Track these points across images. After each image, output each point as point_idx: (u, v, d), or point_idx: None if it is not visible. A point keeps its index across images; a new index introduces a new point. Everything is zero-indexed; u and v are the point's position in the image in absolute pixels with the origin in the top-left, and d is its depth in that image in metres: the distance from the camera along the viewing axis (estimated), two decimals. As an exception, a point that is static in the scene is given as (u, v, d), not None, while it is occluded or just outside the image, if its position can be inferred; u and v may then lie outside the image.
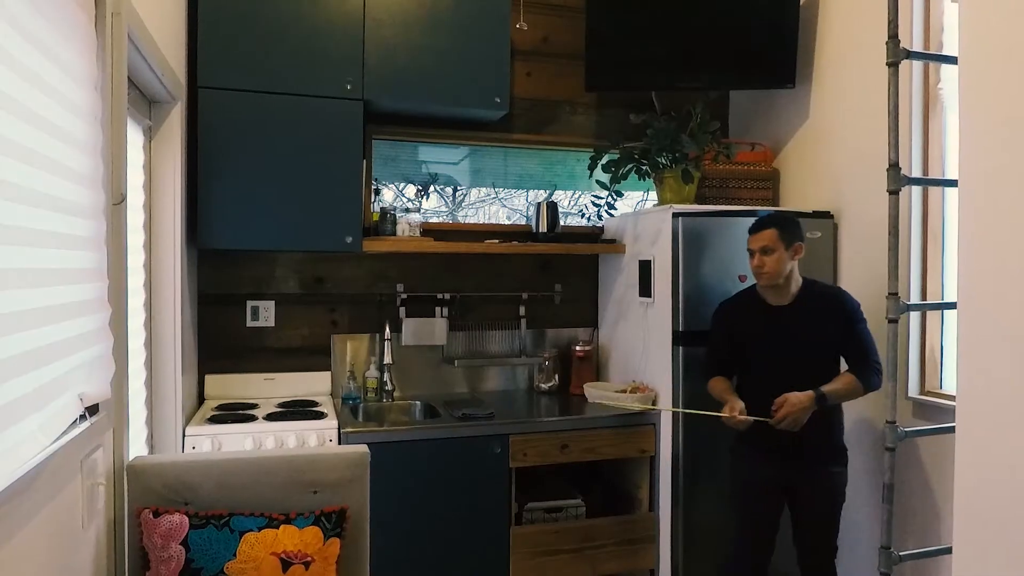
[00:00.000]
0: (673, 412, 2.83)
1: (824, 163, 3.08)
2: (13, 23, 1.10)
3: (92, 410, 1.51)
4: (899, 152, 2.18)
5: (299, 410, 2.79)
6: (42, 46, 1.22)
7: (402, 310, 3.23)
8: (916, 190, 2.62)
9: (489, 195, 3.55)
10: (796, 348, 2.39)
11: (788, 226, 2.39)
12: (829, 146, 3.05)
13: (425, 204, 3.41)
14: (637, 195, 3.66)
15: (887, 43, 2.17)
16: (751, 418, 2.33)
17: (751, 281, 2.86)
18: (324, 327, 3.16)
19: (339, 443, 2.56)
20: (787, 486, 2.44)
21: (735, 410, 2.34)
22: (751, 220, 2.87)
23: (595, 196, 3.30)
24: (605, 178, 3.15)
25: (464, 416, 2.77)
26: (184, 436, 2.48)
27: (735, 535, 2.53)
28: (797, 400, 2.27)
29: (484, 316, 3.36)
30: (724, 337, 2.56)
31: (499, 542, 2.73)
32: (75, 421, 1.39)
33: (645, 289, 3.02)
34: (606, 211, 3.27)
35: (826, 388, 2.30)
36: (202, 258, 2.99)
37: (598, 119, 3.53)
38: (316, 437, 2.56)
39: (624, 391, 2.99)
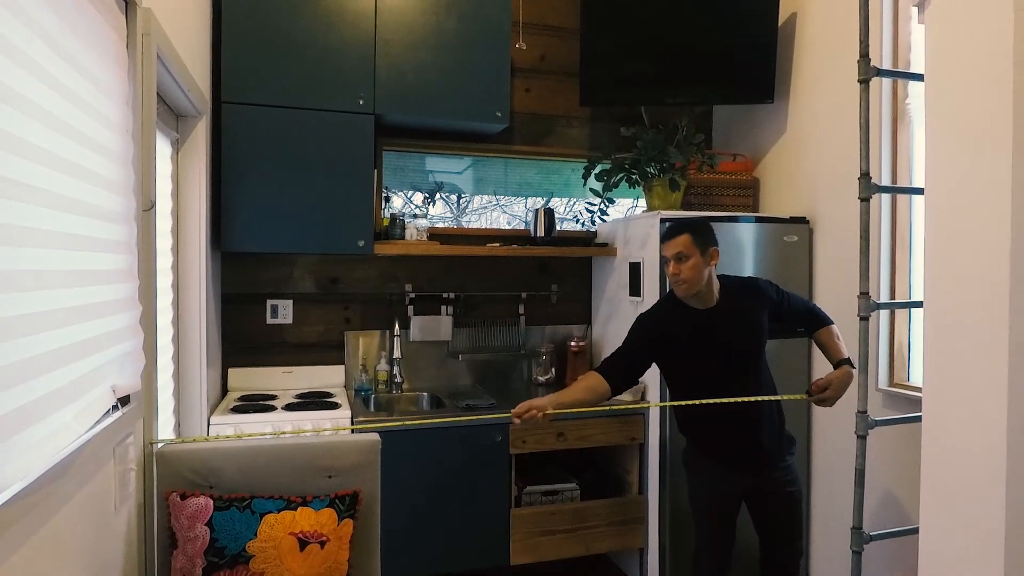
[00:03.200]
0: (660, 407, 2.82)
1: (800, 172, 3.08)
2: (51, 43, 1.10)
3: (124, 401, 1.51)
4: (870, 162, 2.18)
5: (315, 401, 2.79)
6: (77, 64, 1.22)
7: (410, 308, 3.23)
8: (885, 198, 2.62)
9: (491, 202, 3.55)
10: (732, 345, 2.20)
11: (701, 231, 2.16)
12: (805, 157, 3.05)
13: (432, 210, 3.41)
14: (627, 202, 3.66)
15: (858, 62, 2.17)
16: (540, 416, 2.06)
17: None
18: (338, 324, 3.16)
19: (352, 431, 2.56)
20: (746, 490, 2.27)
21: (524, 407, 2.06)
22: (735, 225, 2.89)
23: (589, 203, 3.30)
24: (598, 186, 3.16)
25: (468, 406, 2.78)
26: (209, 424, 2.48)
27: (697, 542, 2.34)
28: (842, 381, 2.17)
29: (486, 314, 3.36)
30: (638, 345, 2.25)
31: (500, 523, 2.73)
32: (108, 411, 1.39)
33: (635, 289, 3.02)
34: (599, 217, 3.26)
35: (844, 354, 2.23)
36: (225, 260, 3.00)
37: (591, 132, 3.53)
38: (331, 425, 2.56)
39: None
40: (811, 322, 2.34)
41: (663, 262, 2.22)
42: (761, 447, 2.22)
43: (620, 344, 2.30)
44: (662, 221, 2.82)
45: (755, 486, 2.26)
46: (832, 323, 2.31)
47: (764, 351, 2.27)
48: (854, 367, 2.19)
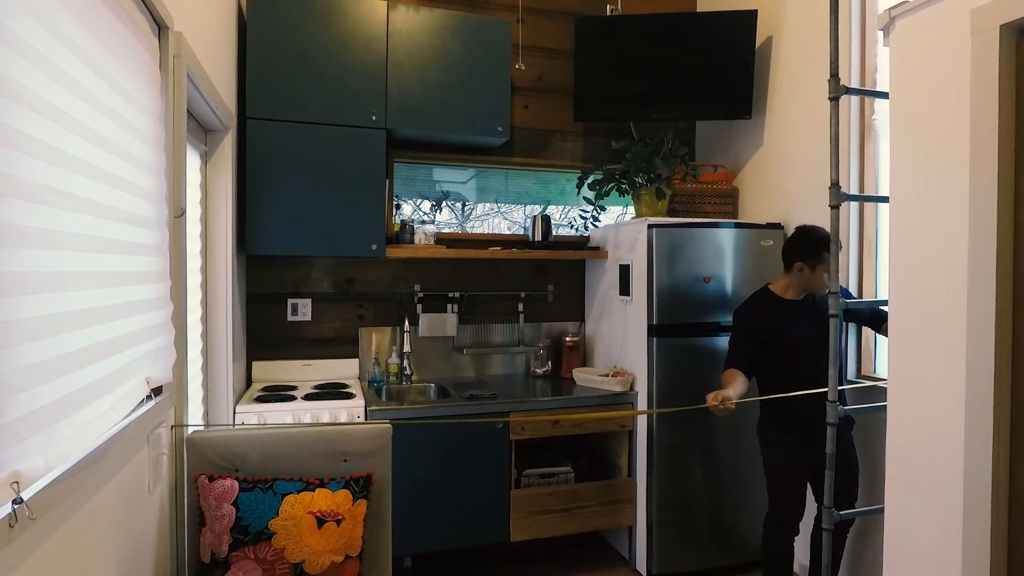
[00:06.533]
0: (650, 409, 2.82)
1: (776, 182, 3.08)
2: (91, 64, 1.10)
3: (157, 391, 1.51)
4: (839, 173, 2.18)
5: (332, 391, 2.79)
6: (115, 83, 1.22)
7: (419, 306, 3.23)
8: (854, 205, 2.63)
9: (492, 209, 3.55)
10: (818, 332, 2.31)
11: None
12: (780, 168, 3.05)
13: (438, 217, 3.41)
14: (618, 209, 3.66)
15: (829, 81, 2.17)
16: (733, 405, 2.22)
17: (715, 283, 2.88)
18: (353, 321, 3.17)
19: (365, 419, 2.57)
20: (813, 464, 2.34)
21: (717, 398, 2.22)
22: (716, 231, 2.90)
23: (582, 210, 3.29)
24: (591, 195, 3.15)
25: (471, 396, 2.77)
26: (235, 413, 2.48)
27: (771, 507, 2.45)
28: None
29: (488, 311, 3.36)
30: (747, 336, 2.43)
31: (501, 503, 2.73)
32: (142, 400, 1.39)
33: (624, 289, 3.02)
34: (591, 223, 3.26)
35: None
36: (250, 262, 3.00)
37: (585, 145, 3.53)
38: (346, 414, 2.56)
39: (607, 375, 2.99)
40: (877, 318, 2.39)
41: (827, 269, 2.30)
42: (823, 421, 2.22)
43: (731, 341, 2.49)
44: (649, 226, 2.83)
45: (821, 458, 2.27)
46: None
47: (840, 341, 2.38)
48: None
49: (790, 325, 2.38)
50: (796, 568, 2.86)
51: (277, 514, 1.64)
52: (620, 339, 3.09)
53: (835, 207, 2.19)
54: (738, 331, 2.49)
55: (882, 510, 1.96)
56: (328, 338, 3.13)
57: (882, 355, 2.56)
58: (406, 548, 2.60)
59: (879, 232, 2.58)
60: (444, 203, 3.43)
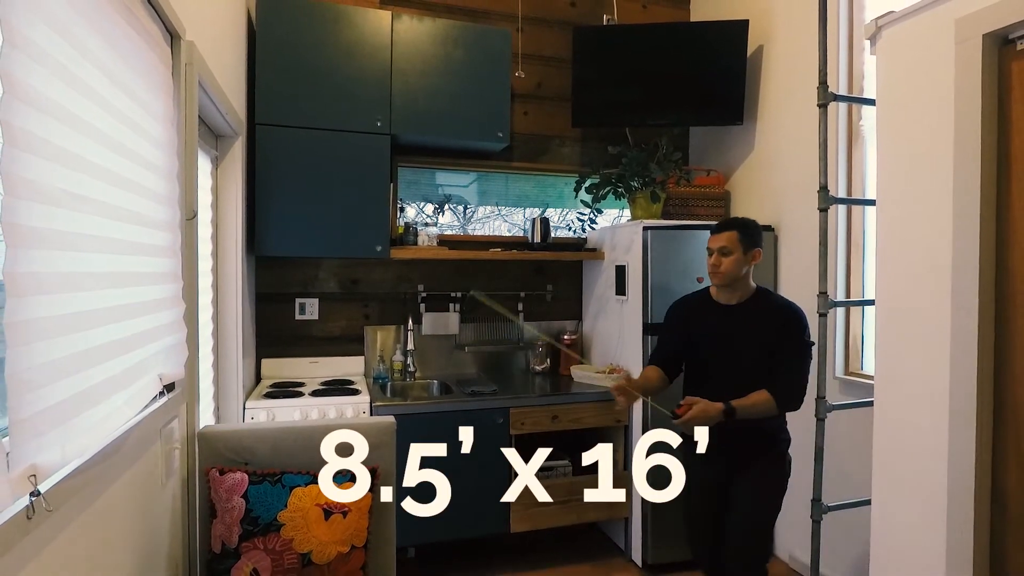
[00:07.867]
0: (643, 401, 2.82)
1: (766, 186, 3.08)
2: (106, 72, 1.11)
3: (169, 388, 1.51)
4: (827, 177, 2.18)
5: (338, 388, 2.79)
6: (129, 91, 1.22)
7: (422, 306, 3.23)
8: (841, 208, 2.63)
9: (493, 212, 3.55)
10: (738, 346, 2.01)
11: (749, 231, 2.00)
12: (771, 172, 3.05)
13: (441, 219, 3.41)
14: (614, 212, 3.66)
15: (818, 88, 2.17)
16: (635, 395, 2.00)
17: (708, 283, 2.87)
18: (358, 320, 3.17)
19: (371, 414, 2.57)
20: (721, 484, 2.06)
21: (617, 383, 2.00)
22: (708, 233, 2.88)
23: (580, 213, 3.30)
24: (588, 198, 3.16)
25: (473, 392, 2.78)
26: (244, 409, 2.49)
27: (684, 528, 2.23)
28: (704, 408, 1.87)
29: (489, 311, 3.35)
30: (671, 332, 2.17)
31: (501, 495, 2.72)
32: (155, 397, 1.39)
33: (620, 289, 3.02)
34: (589, 225, 3.27)
35: (736, 403, 1.90)
36: (259, 263, 3.00)
37: (582, 150, 3.53)
38: (352, 410, 2.56)
39: (603, 372, 2.99)
40: (778, 378, 1.96)
41: (708, 253, 2.06)
42: (738, 438, 1.98)
43: (657, 337, 2.29)
44: (645, 229, 2.83)
45: (730, 482, 2.06)
46: (775, 401, 1.94)
47: (762, 362, 1.99)
48: (732, 416, 1.90)
49: (718, 330, 2.06)
50: (787, 559, 2.86)
51: (285, 506, 1.64)
52: (616, 337, 3.09)
53: (823, 210, 2.19)
54: (663, 329, 2.23)
55: (869, 501, 1.96)
56: (334, 336, 3.13)
57: (869, 352, 2.56)
58: (410, 539, 2.60)
59: (866, 234, 2.58)
60: (446, 206, 3.43)
